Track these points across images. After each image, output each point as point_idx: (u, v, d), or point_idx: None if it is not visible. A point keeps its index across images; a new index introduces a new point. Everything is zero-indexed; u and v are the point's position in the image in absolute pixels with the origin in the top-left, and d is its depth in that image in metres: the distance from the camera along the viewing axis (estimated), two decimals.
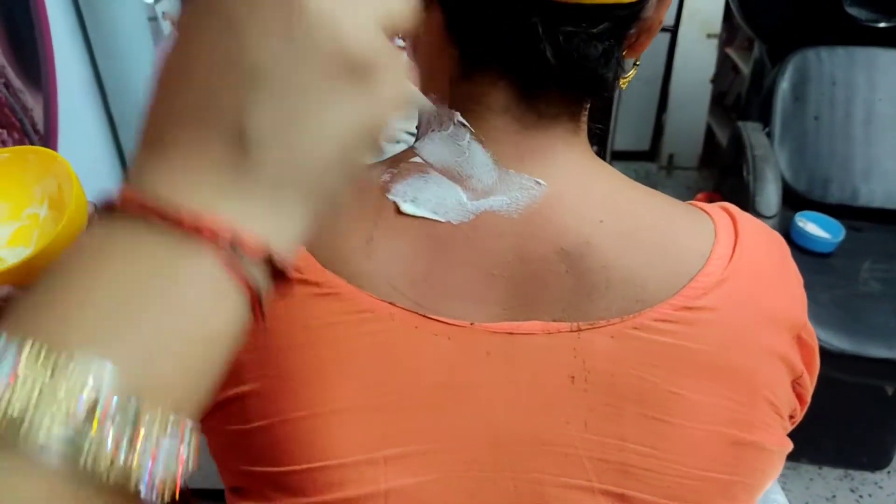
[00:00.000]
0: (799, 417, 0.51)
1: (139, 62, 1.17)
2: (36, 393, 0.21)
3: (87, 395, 0.22)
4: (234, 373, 0.43)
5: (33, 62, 1.00)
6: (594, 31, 0.41)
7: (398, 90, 0.28)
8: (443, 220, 0.43)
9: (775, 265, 0.49)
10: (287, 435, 0.42)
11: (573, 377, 0.43)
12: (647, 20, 0.44)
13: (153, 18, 1.27)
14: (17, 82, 0.95)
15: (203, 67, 0.26)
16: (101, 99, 1.20)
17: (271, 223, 0.26)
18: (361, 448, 0.42)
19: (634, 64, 0.48)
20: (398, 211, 0.44)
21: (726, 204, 0.50)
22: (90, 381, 0.22)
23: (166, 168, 0.25)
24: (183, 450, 0.24)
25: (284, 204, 0.26)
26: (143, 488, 0.23)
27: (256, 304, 0.26)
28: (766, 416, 0.46)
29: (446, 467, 0.43)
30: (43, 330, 0.23)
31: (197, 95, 0.26)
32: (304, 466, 0.42)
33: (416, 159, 0.45)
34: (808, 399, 0.51)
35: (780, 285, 0.49)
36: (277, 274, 0.26)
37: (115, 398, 0.22)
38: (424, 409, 0.43)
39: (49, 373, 0.21)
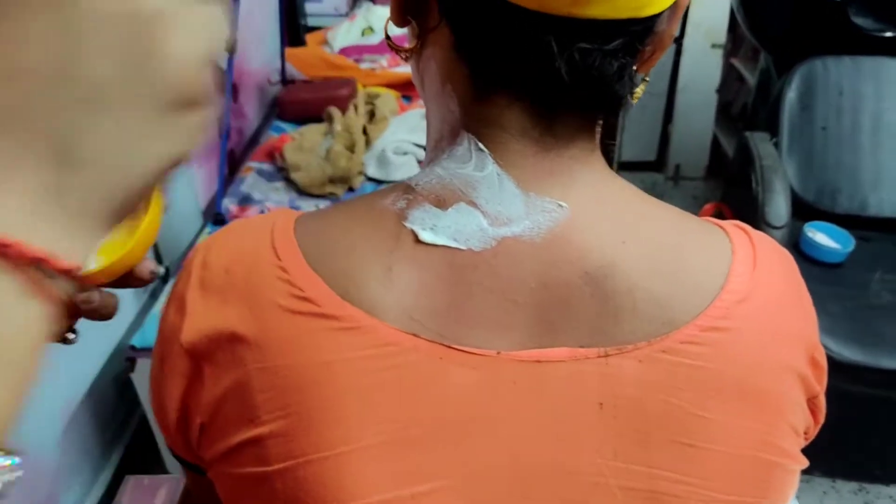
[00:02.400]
0: (813, 434, 0.51)
1: None
2: None
3: None
4: (247, 415, 0.42)
5: None
6: (609, 47, 0.40)
7: (202, 129, 0.28)
8: (463, 247, 0.42)
9: (791, 284, 0.49)
10: (311, 476, 0.41)
11: (601, 404, 0.42)
12: (659, 34, 0.43)
13: None
14: None
15: (32, 71, 0.24)
16: None
17: (80, 243, 0.25)
18: (389, 486, 0.41)
19: (644, 79, 0.48)
20: (417, 240, 0.42)
21: (739, 222, 0.50)
22: None
23: None
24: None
25: (93, 225, 0.26)
26: None
27: (61, 309, 0.26)
28: (788, 435, 0.45)
29: (474, 502, 0.42)
30: None
31: (20, 100, 0.24)
32: None
33: (432, 184, 0.44)
34: (822, 418, 0.50)
35: (798, 304, 0.48)
36: (74, 281, 0.26)
37: None
38: (451, 442, 0.41)
39: None
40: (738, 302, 0.44)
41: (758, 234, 0.48)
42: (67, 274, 0.25)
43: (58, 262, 0.24)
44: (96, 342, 1.26)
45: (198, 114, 0.27)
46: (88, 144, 0.25)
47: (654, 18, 0.41)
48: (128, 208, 0.27)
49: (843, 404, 1.66)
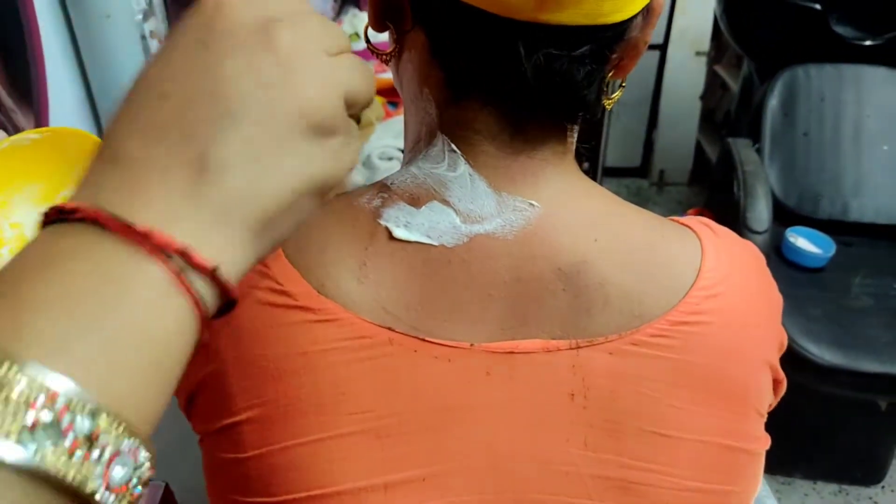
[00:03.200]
0: (774, 405, 0.52)
1: (131, 79, 1.17)
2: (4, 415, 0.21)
3: (40, 404, 0.22)
4: (225, 403, 0.43)
5: (25, 81, 1.00)
6: (576, 53, 0.41)
7: (351, 157, 0.31)
8: (436, 243, 0.43)
9: (759, 275, 0.50)
10: (284, 463, 0.42)
11: (573, 394, 0.43)
12: (631, 40, 0.44)
13: (143, 37, 1.28)
14: (8, 101, 0.95)
15: (178, 92, 0.27)
16: (93, 117, 1.20)
17: (219, 247, 0.27)
18: (361, 474, 0.41)
19: (620, 85, 0.49)
20: (391, 236, 0.43)
21: (703, 218, 0.51)
22: (43, 392, 0.22)
23: (123, 182, 0.26)
24: (140, 457, 0.24)
25: (233, 232, 0.27)
26: (99, 498, 0.23)
27: (203, 317, 0.26)
28: (755, 422, 0.47)
29: (447, 491, 0.42)
30: (8, 345, 0.22)
31: (167, 116, 0.27)
32: (303, 495, 0.41)
33: (407, 184, 0.45)
34: (783, 390, 0.52)
35: (766, 294, 0.50)
36: (223, 294, 0.27)
37: (69, 406, 0.22)
38: (425, 432, 0.42)
39: (22, 391, 0.22)
40: (707, 297, 0.45)
41: (721, 229, 0.50)
42: (208, 272, 0.26)
43: (199, 255, 0.26)
44: None
45: (340, 143, 0.30)
46: (225, 156, 0.27)
47: (623, 25, 0.42)
48: (270, 222, 0.28)
49: (823, 407, 1.69)
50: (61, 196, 0.44)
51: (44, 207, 0.44)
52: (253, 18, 0.28)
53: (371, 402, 0.42)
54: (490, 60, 0.42)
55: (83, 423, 0.22)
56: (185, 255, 0.25)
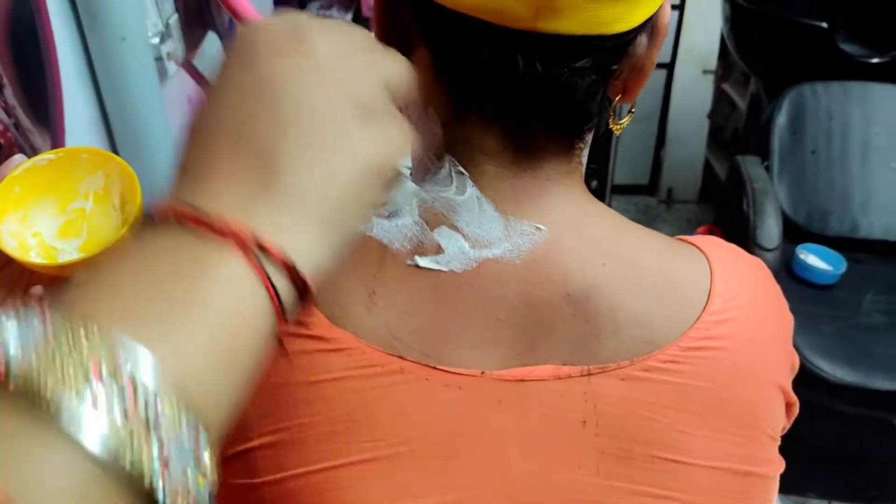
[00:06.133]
0: (787, 428, 0.52)
1: (145, 101, 1.18)
2: (76, 374, 0.22)
3: (125, 384, 0.22)
4: (239, 430, 0.42)
5: (42, 102, 1.01)
6: (577, 65, 0.41)
7: (403, 138, 0.32)
8: (445, 269, 0.43)
9: (770, 295, 0.50)
10: (298, 489, 0.42)
11: (584, 422, 0.43)
12: (635, 58, 0.44)
13: (157, 59, 1.30)
14: (26, 122, 0.97)
15: (234, 111, 0.30)
16: (108, 137, 1.22)
17: (294, 239, 0.28)
18: (374, 502, 0.41)
19: (630, 111, 0.48)
20: (400, 262, 0.44)
21: (711, 237, 0.51)
22: (129, 370, 0.23)
23: (201, 191, 0.28)
24: (206, 456, 0.24)
25: (307, 224, 0.29)
26: (158, 490, 0.23)
27: (279, 313, 0.27)
28: (767, 445, 0.47)
29: None
30: (92, 313, 0.24)
31: (229, 133, 0.29)
32: None
33: (415, 209, 0.45)
34: (796, 411, 0.51)
35: (777, 315, 0.49)
36: (300, 291, 0.28)
37: (151, 390, 0.23)
38: (438, 459, 0.42)
39: (97, 355, 0.22)
40: (718, 322, 0.45)
41: (730, 247, 0.50)
42: (286, 266, 0.27)
43: (279, 250, 0.27)
44: None
45: (388, 125, 0.31)
46: (285, 153, 0.29)
47: (625, 38, 0.41)
48: (339, 212, 0.30)
49: (836, 425, 1.67)
50: (71, 208, 0.50)
51: (57, 217, 0.49)
52: (285, 29, 0.31)
53: (383, 429, 0.42)
54: (491, 72, 0.42)
55: (160, 411, 0.23)
56: (264, 250, 0.27)
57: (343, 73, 0.30)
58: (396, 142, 0.31)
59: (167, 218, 0.27)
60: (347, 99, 0.30)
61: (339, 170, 0.29)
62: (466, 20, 0.40)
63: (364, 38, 0.32)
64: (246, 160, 0.29)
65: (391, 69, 0.33)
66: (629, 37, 0.42)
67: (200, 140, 0.30)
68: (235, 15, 0.34)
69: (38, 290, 0.46)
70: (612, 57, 0.42)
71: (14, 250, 0.46)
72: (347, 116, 0.30)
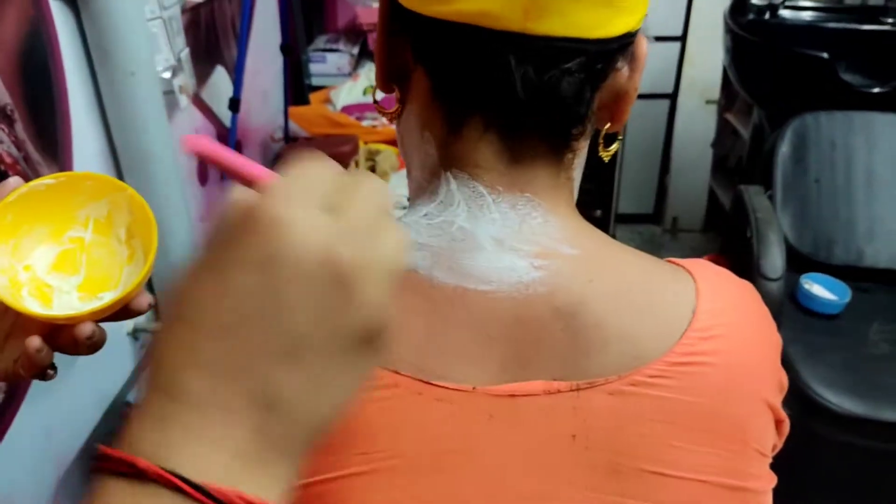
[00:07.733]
0: (779, 447, 0.52)
1: (153, 135, 1.20)
2: None
3: None
4: None
5: (51, 135, 1.03)
6: (566, 66, 0.43)
7: (386, 344, 0.30)
8: (440, 283, 0.45)
9: (757, 315, 0.51)
10: (296, 501, 0.42)
11: (574, 436, 0.44)
12: (619, 85, 0.47)
13: (169, 92, 1.32)
14: (35, 155, 0.98)
15: (240, 325, 0.26)
16: (116, 170, 1.23)
17: (281, 478, 0.28)
18: None
19: (618, 138, 0.51)
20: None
21: (700, 259, 0.52)
22: None
23: (182, 423, 0.26)
24: None
25: (296, 454, 0.28)
26: None
27: None
28: (755, 460, 0.47)
29: None
30: None
31: (229, 352, 0.27)
32: None
33: (412, 226, 0.46)
34: (787, 430, 0.52)
35: (764, 335, 0.50)
36: None
37: None
38: (430, 474, 0.43)
39: None
40: (704, 339, 0.46)
41: (717, 269, 0.51)
42: None
43: None
44: (91, 399, 1.26)
45: (380, 341, 0.29)
46: (290, 392, 0.27)
47: (607, 45, 0.44)
48: (315, 441, 0.29)
49: (842, 456, 1.65)
50: (68, 236, 0.46)
51: (52, 247, 0.45)
52: (314, 243, 0.27)
53: (379, 442, 0.43)
54: (485, 75, 0.44)
55: None
56: None
57: (364, 297, 0.27)
58: (383, 353, 0.30)
59: (143, 474, 0.25)
60: (363, 326, 0.28)
61: (331, 404, 0.29)
62: (460, 29, 0.42)
63: (386, 216, 0.30)
64: (247, 397, 0.26)
65: (400, 261, 0.30)
66: (611, 45, 0.44)
67: (195, 345, 0.27)
68: (243, 181, 0.31)
69: (35, 342, 0.44)
70: (596, 60, 0.44)
71: (4, 291, 0.42)
72: (357, 343, 0.28)
